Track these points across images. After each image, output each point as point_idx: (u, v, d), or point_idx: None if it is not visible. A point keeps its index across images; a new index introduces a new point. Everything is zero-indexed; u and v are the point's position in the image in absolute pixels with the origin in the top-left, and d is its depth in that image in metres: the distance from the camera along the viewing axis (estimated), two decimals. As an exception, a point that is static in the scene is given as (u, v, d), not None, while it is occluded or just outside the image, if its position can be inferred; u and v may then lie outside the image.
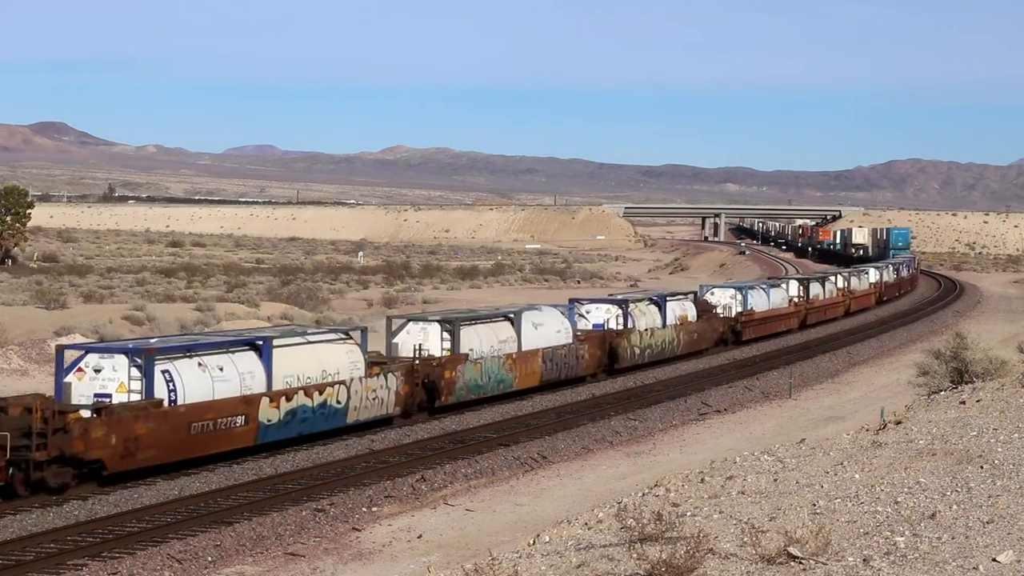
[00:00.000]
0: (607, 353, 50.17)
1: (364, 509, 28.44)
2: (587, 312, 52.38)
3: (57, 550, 23.53)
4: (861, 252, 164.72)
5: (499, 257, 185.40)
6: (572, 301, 53.78)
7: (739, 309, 64.70)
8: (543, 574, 15.08)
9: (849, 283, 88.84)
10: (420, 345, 40.56)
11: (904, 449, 21.24)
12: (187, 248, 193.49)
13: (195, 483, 29.48)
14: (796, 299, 74.21)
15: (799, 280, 78.13)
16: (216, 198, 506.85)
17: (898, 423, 25.48)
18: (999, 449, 20.29)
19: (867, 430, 25.50)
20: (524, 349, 44.36)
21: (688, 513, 17.57)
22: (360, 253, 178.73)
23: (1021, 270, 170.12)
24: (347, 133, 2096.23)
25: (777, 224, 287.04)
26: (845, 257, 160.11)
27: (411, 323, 42.12)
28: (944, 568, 13.45)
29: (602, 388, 48.15)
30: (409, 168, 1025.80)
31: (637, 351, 52.51)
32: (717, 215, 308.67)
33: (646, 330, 53.49)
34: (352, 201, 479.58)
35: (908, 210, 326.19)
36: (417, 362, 39.32)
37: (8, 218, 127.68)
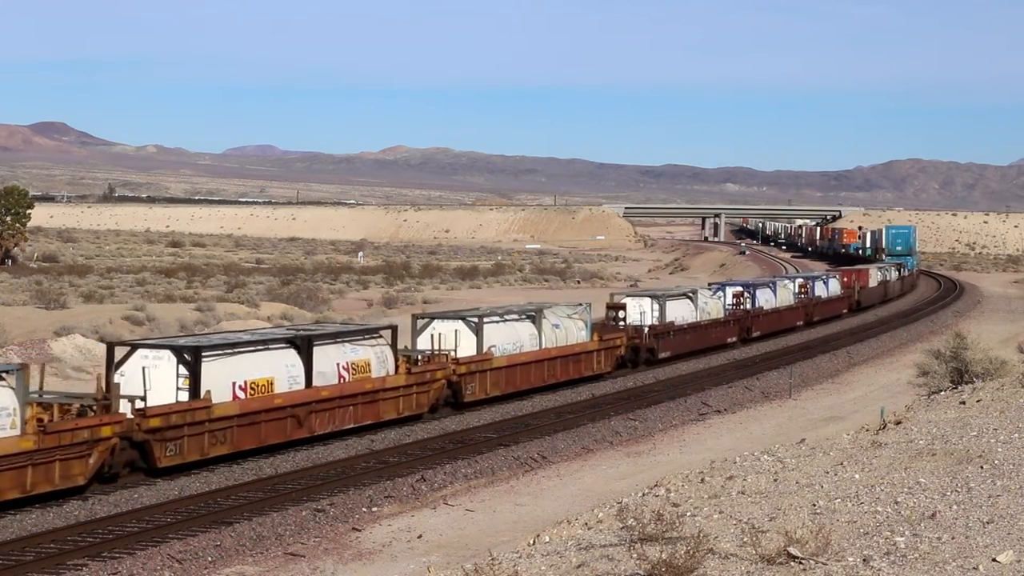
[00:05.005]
0: None
1: (364, 509, 28.44)
2: None
3: (57, 550, 23.52)
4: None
5: (499, 257, 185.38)
6: None
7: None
8: (543, 574, 15.08)
9: (527, 333, 45.14)
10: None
11: (904, 449, 21.23)
12: (187, 248, 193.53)
13: (195, 483, 29.47)
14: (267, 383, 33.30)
15: (296, 339, 34.47)
16: (216, 198, 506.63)
17: (898, 423, 25.46)
18: (999, 449, 20.28)
19: (867, 430, 25.48)
20: None
21: (688, 513, 17.57)
22: (360, 253, 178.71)
23: (1021, 270, 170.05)
24: (347, 133, 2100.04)
25: (788, 226, 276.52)
26: (871, 263, 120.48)
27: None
28: (944, 568, 13.44)
29: (601, 388, 48.08)
30: (409, 168, 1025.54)
31: None
32: (717, 215, 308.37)
33: None
34: (352, 201, 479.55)
35: (908, 210, 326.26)
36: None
37: (8, 218, 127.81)
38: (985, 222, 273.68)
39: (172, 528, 25.31)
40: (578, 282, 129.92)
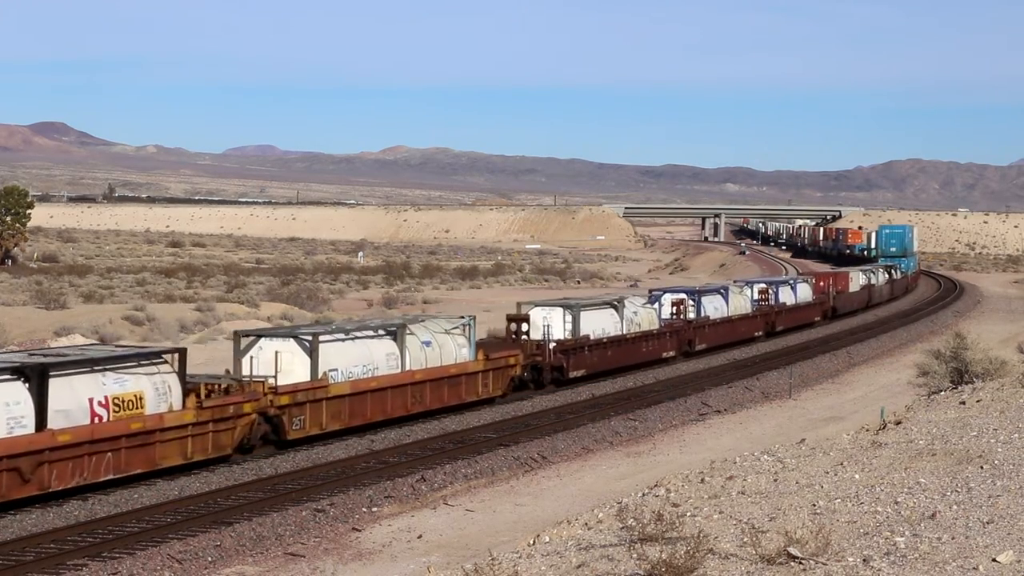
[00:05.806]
0: None
1: (364, 509, 28.44)
2: None
3: (57, 550, 23.52)
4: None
5: (499, 257, 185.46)
6: None
7: None
8: (543, 574, 15.08)
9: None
10: None
11: (904, 449, 21.23)
12: (187, 248, 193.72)
13: (195, 483, 29.47)
14: None
15: None
16: (216, 198, 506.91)
17: (898, 423, 25.46)
18: (999, 449, 20.28)
19: (867, 430, 25.48)
20: None
21: (688, 513, 17.57)
22: (360, 253, 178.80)
23: (1021, 270, 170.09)
24: (347, 133, 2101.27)
25: (788, 227, 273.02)
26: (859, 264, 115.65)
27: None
28: (944, 568, 13.44)
29: (601, 388, 48.12)
30: (409, 168, 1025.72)
31: None
32: (717, 215, 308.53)
33: None
34: (352, 201, 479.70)
35: (908, 210, 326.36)
36: None
37: (8, 218, 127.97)
38: (985, 222, 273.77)
39: (172, 528, 25.31)
40: (578, 282, 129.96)
